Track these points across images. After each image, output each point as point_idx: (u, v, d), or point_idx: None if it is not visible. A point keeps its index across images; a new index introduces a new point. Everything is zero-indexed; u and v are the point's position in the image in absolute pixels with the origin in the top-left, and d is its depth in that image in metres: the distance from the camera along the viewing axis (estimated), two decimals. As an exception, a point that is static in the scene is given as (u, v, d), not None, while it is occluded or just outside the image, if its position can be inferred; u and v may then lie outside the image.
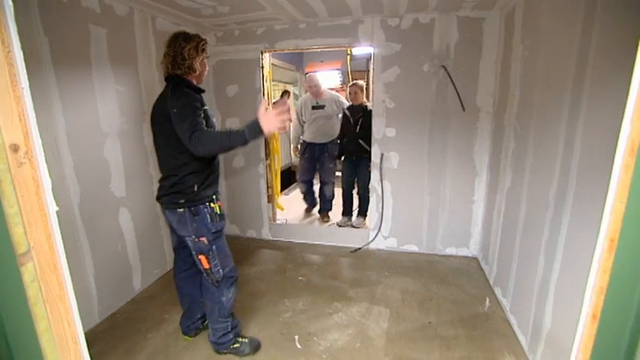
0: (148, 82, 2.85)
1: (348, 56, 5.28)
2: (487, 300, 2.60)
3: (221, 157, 2.50)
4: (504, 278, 2.49)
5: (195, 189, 1.82)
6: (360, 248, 3.55)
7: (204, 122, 1.74)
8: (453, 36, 2.98)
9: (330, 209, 4.29)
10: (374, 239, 3.53)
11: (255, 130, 1.67)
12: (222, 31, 3.49)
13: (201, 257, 1.90)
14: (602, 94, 1.41)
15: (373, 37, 3.15)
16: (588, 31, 1.50)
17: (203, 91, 1.89)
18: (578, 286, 1.51)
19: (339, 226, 3.96)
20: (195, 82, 1.87)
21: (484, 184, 3.16)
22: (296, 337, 2.26)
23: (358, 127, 3.70)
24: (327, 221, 4.16)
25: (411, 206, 3.38)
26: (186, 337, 2.26)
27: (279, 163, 4.09)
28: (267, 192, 3.76)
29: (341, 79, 5.77)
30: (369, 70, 3.40)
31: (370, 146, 3.64)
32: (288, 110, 1.72)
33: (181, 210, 1.83)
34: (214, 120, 1.95)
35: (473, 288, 2.80)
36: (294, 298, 2.71)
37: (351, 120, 3.76)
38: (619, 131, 0.68)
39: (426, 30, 3.02)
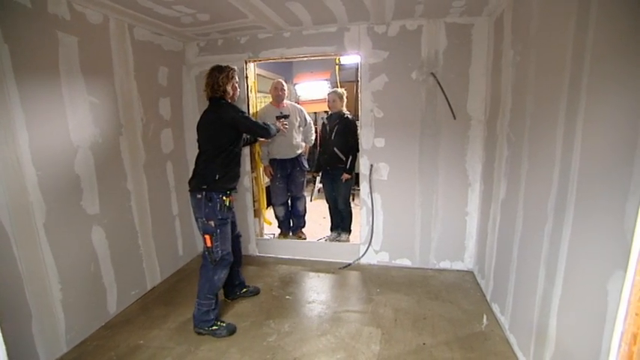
0: (126, 94, 2.72)
1: (337, 66, 5.21)
2: (484, 318, 2.45)
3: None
4: (502, 294, 2.35)
5: (217, 177, 2.33)
6: (350, 264, 3.39)
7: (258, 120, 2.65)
8: (442, 43, 2.90)
9: (304, 226, 4.07)
10: (365, 254, 3.38)
11: (275, 127, 2.72)
12: (205, 40, 3.39)
13: (207, 237, 2.33)
14: (601, 97, 1.31)
15: (360, 45, 3.07)
16: (583, 32, 1.41)
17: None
18: (585, 304, 1.38)
19: (329, 241, 3.81)
20: (230, 101, 2.47)
21: (477, 194, 3.05)
22: (281, 363, 2.09)
23: (334, 135, 3.57)
24: (304, 239, 3.95)
25: (403, 219, 3.25)
26: (227, 300, 2.81)
27: (263, 178, 3.93)
28: (254, 206, 3.61)
29: (330, 89, 5.69)
30: (358, 81, 3.30)
31: (345, 155, 3.52)
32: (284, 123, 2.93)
33: (199, 196, 2.33)
34: None
35: (469, 304, 2.66)
36: (280, 319, 2.54)
37: (328, 128, 3.65)
38: (622, 135, 0.56)
39: (413, 37, 2.95)
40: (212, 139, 2.38)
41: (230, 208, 2.41)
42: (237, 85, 2.49)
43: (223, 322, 2.44)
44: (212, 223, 2.32)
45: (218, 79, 2.37)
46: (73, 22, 2.23)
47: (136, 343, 2.32)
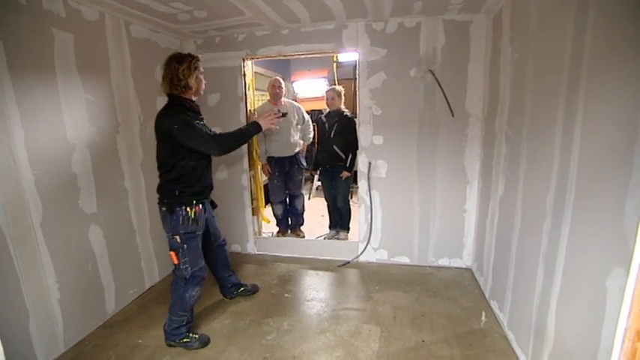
0: (123, 91, 2.70)
1: (335, 63, 5.19)
2: (483, 315, 2.46)
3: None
4: (501, 291, 2.36)
5: (177, 193, 2.10)
6: (349, 262, 3.39)
7: (208, 129, 2.12)
8: (440, 40, 2.90)
9: (302, 224, 4.07)
10: (363, 251, 3.38)
11: (255, 126, 2.24)
12: (202, 38, 3.37)
13: (172, 253, 2.13)
14: (600, 94, 1.30)
15: (358, 42, 3.06)
16: (581, 29, 1.41)
17: (197, 110, 2.19)
18: (584, 301, 1.39)
19: (327, 239, 3.80)
20: (193, 97, 2.16)
21: (476, 191, 3.06)
22: (280, 361, 2.09)
23: (333, 133, 3.56)
24: (303, 237, 3.95)
25: (401, 216, 3.25)
26: (226, 299, 2.78)
27: (261, 176, 3.91)
28: (252, 204, 3.60)
29: (328, 87, 5.68)
30: (356, 78, 3.29)
31: (345, 153, 3.51)
32: (278, 117, 2.37)
33: (164, 209, 2.12)
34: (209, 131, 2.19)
35: (468, 301, 2.66)
36: (278, 317, 2.54)
37: (326, 125, 3.63)
38: (621, 133, 0.55)
39: (411, 34, 2.94)
40: (157, 150, 2.11)
41: (197, 220, 2.14)
42: (201, 76, 2.14)
43: (196, 333, 2.29)
44: (177, 238, 2.10)
45: (178, 71, 2.02)
46: (68, 19, 2.21)
47: (135, 342, 2.31)
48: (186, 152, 2.07)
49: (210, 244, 2.46)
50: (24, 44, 1.95)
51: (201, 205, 2.19)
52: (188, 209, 2.11)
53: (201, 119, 2.20)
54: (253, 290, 2.89)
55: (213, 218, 2.46)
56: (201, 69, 2.13)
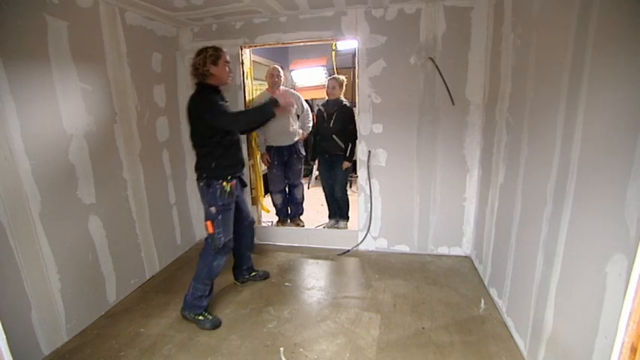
0: (119, 80, 2.66)
1: (333, 52, 5.13)
2: (482, 302, 2.48)
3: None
4: (500, 278, 2.38)
5: (213, 166, 2.30)
6: (348, 250, 3.41)
7: (229, 108, 2.31)
8: (440, 26, 2.86)
9: (302, 213, 4.07)
10: (363, 240, 3.39)
11: (274, 102, 2.26)
12: (199, 26, 3.31)
13: (208, 223, 2.31)
14: (605, 79, 1.29)
15: (357, 30, 3.01)
16: (586, 14, 1.38)
17: (219, 91, 2.38)
18: (583, 287, 1.40)
19: (327, 228, 3.81)
20: (216, 83, 2.33)
21: (476, 180, 3.05)
22: (281, 349, 2.11)
23: (332, 122, 3.53)
24: (303, 226, 3.96)
25: (401, 205, 3.25)
26: (237, 283, 2.88)
27: (260, 165, 3.90)
28: (252, 194, 3.60)
29: (327, 75, 5.61)
30: (355, 67, 3.25)
31: (344, 143, 3.50)
32: (292, 104, 2.48)
33: (202, 184, 2.34)
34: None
35: (467, 289, 2.68)
36: (279, 306, 2.56)
37: (325, 115, 3.59)
38: (625, 120, 0.54)
39: (411, 21, 2.89)
40: (193, 130, 2.33)
41: (231, 193, 2.36)
42: (225, 67, 2.33)
43: (210, 314, 2.40)
44: (213, 209, 2.30)
45: (195, 61, 2.28)
46: (61, 6, 2.16)
47: (137, 331, 2.32)
48: (215, 130, 2.28)
49: (241, 221, 2.61)
50: (16, 31, 1.91)
51: (235, 181, 2.40)
52: (224, 183, 2.31)
53: (226, 101, 2.40)
54: (264, 276, 2.96)
55: (244, 197, 2.65)
56: (226, 58, 2.33)
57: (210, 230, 2.31)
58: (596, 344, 1.28)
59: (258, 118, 2.39)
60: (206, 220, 2.33)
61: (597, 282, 1.28)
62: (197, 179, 2.39)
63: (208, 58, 2.27)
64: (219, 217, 2.31)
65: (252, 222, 2.78)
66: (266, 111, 2.28)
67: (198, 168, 2.37)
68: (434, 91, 2.97)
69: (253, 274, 2.92)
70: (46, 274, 2.10)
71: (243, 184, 2.57)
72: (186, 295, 2.40)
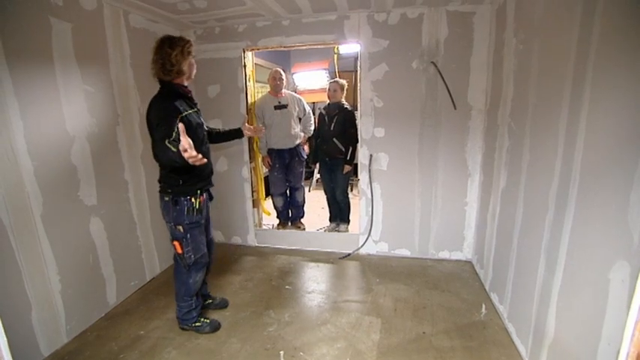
0: (122, 83, 2.67)
1: (335, 55, 5.14)
2: (483, 307, 2.47)
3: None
4: (501, 283, 2.37)
5: (181, 182, 2.05)
6: (349, 254, 3.40)
7: (173, 134, 1.79)
8: (443, 31, 2.86)
9: (303, 216, 4.06)
10: (364, 244, 3.39)
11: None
12: (202, 28, 3.33)
13: (176, 243, 2.10)
14: (607, 86, 1.29)
15: (360, 34, 3.02)
16: (589, 19, 1.38)
17: (190, 96, 2.09)
18: (586, 293, 1.39)
19: (328, 231, 3.81)
20: (185, 82, 2.07)
21: (477, 184, 3.05)
22: (281, 352, 2.10)
23: (333, 125, 3.53)
24: (303, 229, 3.95)
25: (402, 209, 3.25)
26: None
27: (262, 168, 3.90)
28: (252, 196, 3.60)
29: (328, 79, 5.63)
30: (356, 70, 3.26)
31: (345, 146, 3.50)
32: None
33: (167, 199, 2.07)
34: (202, 119, 2.17)
35: (468, 294, 2.67)
36: (279, 309, 2.55)
37: (326, 118, 3.60)
38: (628, 126, 0.54)
39: (414, 25, 2.90)
40: (152, 140, 1.95)
41: (200, 210, 2.12)
42: (193, 60, 2.05)
43: (207, 318, 2.36)
44: (180, 228, 2.07)
45: (171, 56, 1.91)
46: (66, 8, 2.17)
47: (137, 333, 2.32)
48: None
49: (208, 233, 2.35)
50: (21, 33, 1.92)
51: (205, 194, 2.19)
52: (193, 199, 2.08)
53: (195, 104, 2.12)
54: (222, 305, 2.59)
55: (209, 213, 2.33)
56: (194, 54, 2.05)
57: (179, 251, 2.10)
58: (598, 351, 1.28)
59: (179, 161, 1.69)
60: (173, 239, 2.11)
61: (600, 289, 1.28)
62: (160, 192, 2.10)
63: (186, 52, 1.96)
64: (188, 235, 2.09)
65: (212, 241, 2.44)
66: (180, 159, 1.68)
67: (162, 182, 2.09)
68: (436, 95, 2.98)
69: (208, 301, 2.56)
70: (46, 275, 2.10)
71: (211, 197, 2.30)
72: (176, 313, 2.33)
